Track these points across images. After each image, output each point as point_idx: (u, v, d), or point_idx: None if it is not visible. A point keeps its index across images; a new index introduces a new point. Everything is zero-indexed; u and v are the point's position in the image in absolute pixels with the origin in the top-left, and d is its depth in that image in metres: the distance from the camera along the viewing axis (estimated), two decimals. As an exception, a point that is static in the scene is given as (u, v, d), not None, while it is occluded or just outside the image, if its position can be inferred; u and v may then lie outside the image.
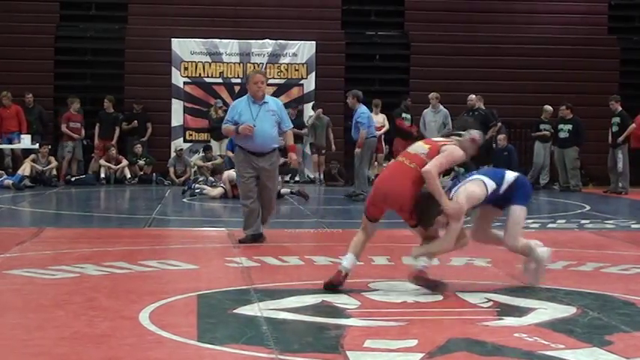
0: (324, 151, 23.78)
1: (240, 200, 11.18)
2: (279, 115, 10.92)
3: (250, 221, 10.90)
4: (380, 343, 5.70)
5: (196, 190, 18.69)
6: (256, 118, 10.72)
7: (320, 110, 23.58)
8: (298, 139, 23.85)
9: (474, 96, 22.29)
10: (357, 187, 17.99)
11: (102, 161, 22.83)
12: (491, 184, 7.71)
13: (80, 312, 6.70)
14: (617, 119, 21.13)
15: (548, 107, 22.81)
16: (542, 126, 22.80)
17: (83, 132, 23.09)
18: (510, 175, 7.87)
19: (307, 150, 24.06)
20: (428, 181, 7.46)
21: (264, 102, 10.86)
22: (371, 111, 19.37)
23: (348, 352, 5.47)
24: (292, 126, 11.49)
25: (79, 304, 7.02)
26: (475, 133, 7.92)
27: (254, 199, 10.85)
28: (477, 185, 7.69)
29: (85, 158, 23.32)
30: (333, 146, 23.79)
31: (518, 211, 7.82)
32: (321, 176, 23.77)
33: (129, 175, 22.83)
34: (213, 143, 23.32)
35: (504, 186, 7.77)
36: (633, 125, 20.96)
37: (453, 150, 7.68)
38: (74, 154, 22.83)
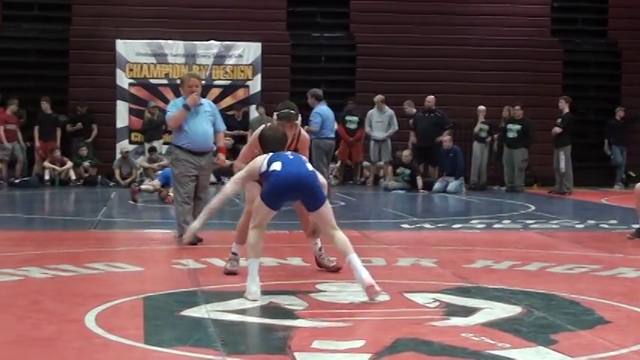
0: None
1: (176, 199, 11.14)
2: (214, 117, 11.28)
3: (188, 219, 10.92)
4: (327, 343, 5.70)
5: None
6: (197, 117, 11.00)
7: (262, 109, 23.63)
8: (244, 140, 23.86)
9: (432, 97, 22.41)
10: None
11: (46, 163, 22.55)
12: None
13: (25, 315, 6.62)
14: (559, 120, 21.23)
15: (481, 107, 22.94)
16: (479, 126, 22.89)
17: (19, 134, 22.78)
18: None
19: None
20: None
21: (200, 104, 11.12)
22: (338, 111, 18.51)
23: (295, 354, 5.46)
24: (225, 128, 11.86)
25: (24, 307, 6.94)
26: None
27: (192, 198, 11.05)
28: None
29: (29, 160, 23.06)
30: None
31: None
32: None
33: (74, 177, 22.63)
34: (157, 144, 23.17)
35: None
36: None
37: None
38: (13, 156, 22.57)
